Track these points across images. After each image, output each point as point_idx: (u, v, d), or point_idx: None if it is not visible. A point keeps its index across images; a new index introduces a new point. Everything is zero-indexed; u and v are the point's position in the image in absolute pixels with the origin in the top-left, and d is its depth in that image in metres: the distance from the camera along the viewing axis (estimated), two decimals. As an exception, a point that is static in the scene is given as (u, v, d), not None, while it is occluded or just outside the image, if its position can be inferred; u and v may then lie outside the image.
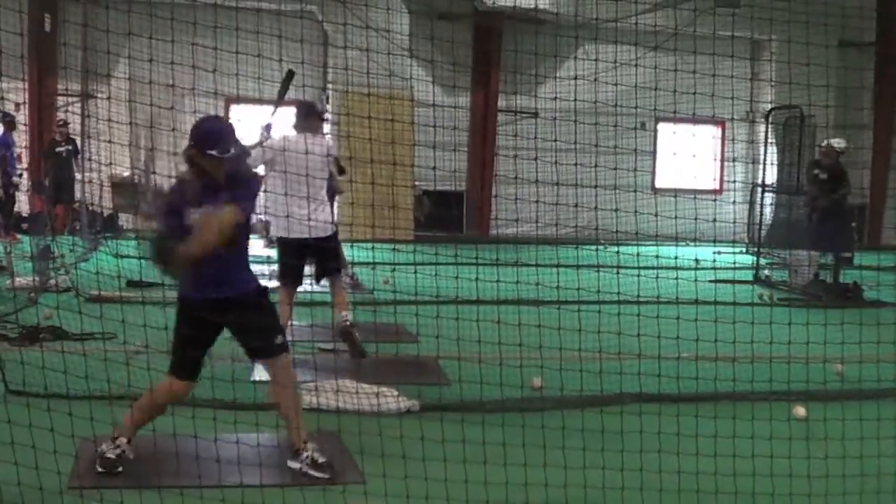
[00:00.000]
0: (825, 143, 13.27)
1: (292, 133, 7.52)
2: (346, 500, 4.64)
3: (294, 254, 7.38)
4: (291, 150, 6.99)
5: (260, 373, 6.28)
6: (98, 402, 5.54)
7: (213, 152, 4.75)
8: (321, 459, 5.00)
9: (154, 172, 4.69)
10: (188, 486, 4.59)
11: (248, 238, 5.09)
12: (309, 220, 7.07)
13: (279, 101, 7.59)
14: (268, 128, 7.39)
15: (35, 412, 4.80)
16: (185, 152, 4.82)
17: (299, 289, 7.79)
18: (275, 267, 11.57)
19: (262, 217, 11.08)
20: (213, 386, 5.66)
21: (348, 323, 7.50)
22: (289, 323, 7.56)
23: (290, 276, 7.55)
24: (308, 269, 7.76)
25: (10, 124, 15.41)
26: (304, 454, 5.00)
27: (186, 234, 4.77)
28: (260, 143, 7.30)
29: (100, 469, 4.87)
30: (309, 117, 7.55)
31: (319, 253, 7.40)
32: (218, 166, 4.79)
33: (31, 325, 7.98)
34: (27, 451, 4.55)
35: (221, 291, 4.87)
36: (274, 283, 10.49)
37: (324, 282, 7.86)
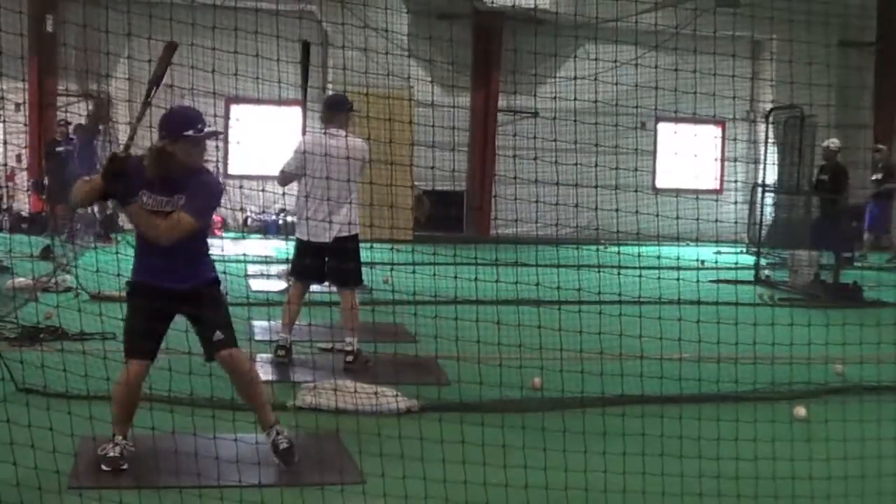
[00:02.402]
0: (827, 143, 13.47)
1: (318, 131, 7.50)
2: (344, 499, 4.63)
3: (309, 253, 7.37)
4: (314, 153, 6.98)
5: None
6: (98, 401, 5.54)
7: (189, 133, 4.80)
8: (284, 445, 5.07)
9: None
10: (187, 486, 4.58)
11: (205, 235, 5.15)
12: (329, 223, 7.04)
13: (305, 79, 7.50)
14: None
15: (35, 411, 4.80)
16: (155, 146, 4.83)
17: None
18: (279, 267, 11.65)
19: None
20: (212, 385, 5.65)
21: (350, 358, 7.39)
22: (293, 323, 7.54)
23: (303, 274, 7.53)
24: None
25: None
26: (270, 437, 5.09)
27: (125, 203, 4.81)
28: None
29: (106, 468, 4.87)
30: (337, 112, 7.42)
31: (334, 253, 7.36)
32: (190, 148, 4.82)
33: (31, 324, 7.97)
34: (27, 450, 4.55)
35: (177, 284, 4.93)
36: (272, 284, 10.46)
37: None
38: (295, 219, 7.67)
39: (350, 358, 7.38)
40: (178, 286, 4.94)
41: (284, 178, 7.48)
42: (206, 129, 4.92)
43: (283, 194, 8.26)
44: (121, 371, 5.01)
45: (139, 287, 5.04)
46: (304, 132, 8.16)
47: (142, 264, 5.02)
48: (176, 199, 4.85)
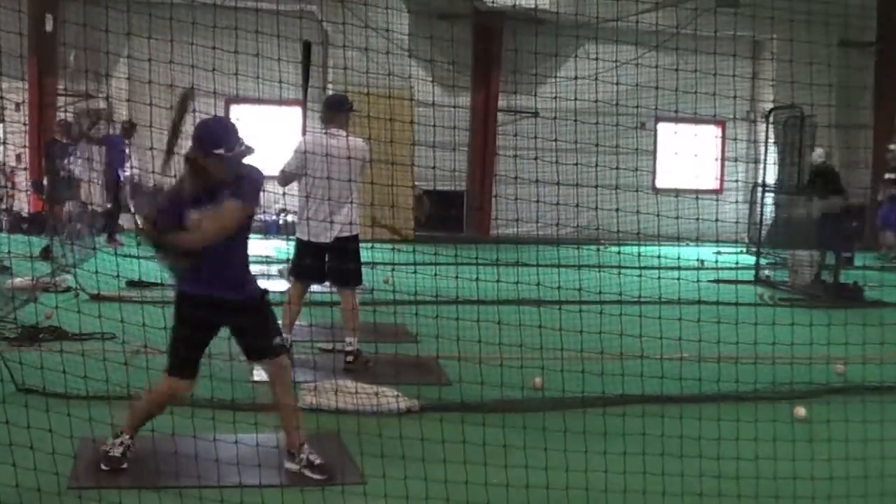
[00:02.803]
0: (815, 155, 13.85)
1: (318, 131, 7.48)
2: (345, 500, 4.62)
3: (310, 253, 7.36)
4: (315, 153, 6.97)
5: (259, 373, 6.26)
6: (97, 401, 5.54)
7: (220, 151, 4.72)
8: (318, 461, 4.98)
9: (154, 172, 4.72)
10: (187, 487, 4.57)
11: (246, 245, 5.05)
12: (330, 223, 7.03)
13: (306, 80, 7.51)
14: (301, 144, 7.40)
15: (34, 412, 4.79)
16: (188, 155, 4.78)
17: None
18: (279, 266, 11.65)
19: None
20: (213, 386, 5.65)
21: (350, 359, 7.37)
22: (295, 323, 7.54)
23: (303, 274, 7.53)
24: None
25: (128, 131, 15.56)
26: (301, 455, 4.99)
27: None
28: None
29: (105, 467, 4.86)
30: (337, 112, 7.37)
31: (335, 253, 7.35)
32: (222, 165, 4.74)
33: (31, 324, 7.96)
34: (26, 451, 4.54)
35: (229, 293, 4.85)
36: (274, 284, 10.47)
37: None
38: (295, 219, 7.67)
39: (350, 358, 7.37)
40: (230, 296, 4.86)
41: (285, 178, 7.47)
42: (239, 147, 4.75)
43: (284, 194, 8.25)
44: (160, 384, 4.95)
45: (188, 299, 4.90)
46: (304, 132, 8.15)
47: (192, 274, 4.87)
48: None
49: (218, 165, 4.73)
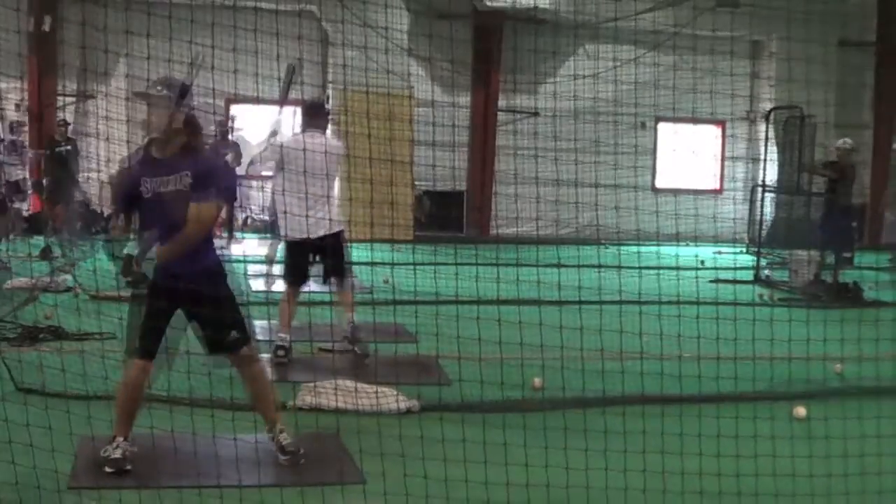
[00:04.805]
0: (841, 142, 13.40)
1: (298, 132, 7.59)
2: (344, 498, 4.62)
3: (300, 253, 7.41)
4: (297, 150, 7.02)
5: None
6: (97, 401, 5.53)
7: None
8: (290, 448, 5.07)
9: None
10: (187, 486, 4.57)
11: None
12: (316, 219, 7.09)
13: (283, 99, 7.68)
14: (273, 133, 7.51)
15: (34, 411, 4.79)
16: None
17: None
18: (274, 268, 11.66)
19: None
20: (212, 386, 5.65)
21: (350, 329, 7.52)
22: (291, 323, 7.56)
23: (295, 275, 7.57)
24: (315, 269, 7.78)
25: (225, 132, 15.56)
26: (274, 433, 5.11)
27: (138, 207, 4.94)
28: (267, 145, 7.41)
29: (110, 470, 4.81)
30: (315, 116, 7.63)
31: (324, 251, 7.40)
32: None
33: (30, 324, 7.95)
34: (26, 450, 4.54)
35: (184, 266, 4.90)
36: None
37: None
38: (279, 219, 7.73)
39: (349, 328, 7.49)
40: (186, 269, 4.99)
41: (255, 169, 7.66)
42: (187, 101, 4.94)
43: (283, 192, 8.27)
44: (132, 371, 4.95)
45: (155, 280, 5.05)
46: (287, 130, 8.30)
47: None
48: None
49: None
